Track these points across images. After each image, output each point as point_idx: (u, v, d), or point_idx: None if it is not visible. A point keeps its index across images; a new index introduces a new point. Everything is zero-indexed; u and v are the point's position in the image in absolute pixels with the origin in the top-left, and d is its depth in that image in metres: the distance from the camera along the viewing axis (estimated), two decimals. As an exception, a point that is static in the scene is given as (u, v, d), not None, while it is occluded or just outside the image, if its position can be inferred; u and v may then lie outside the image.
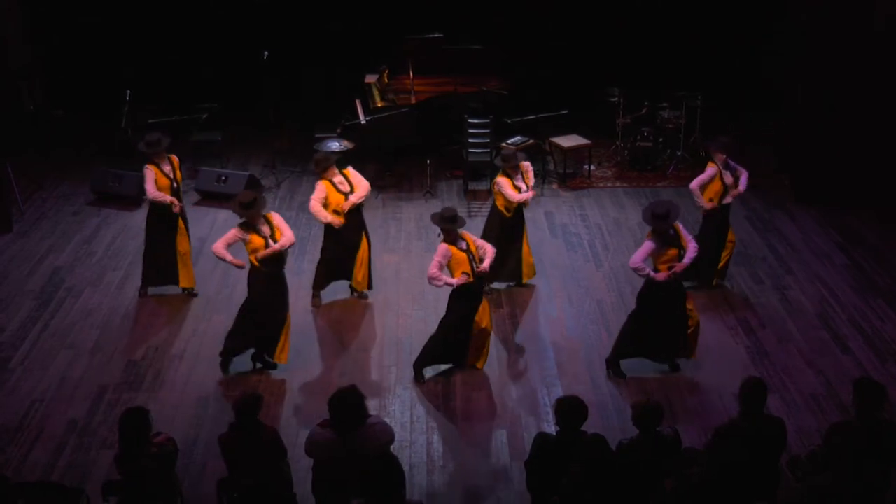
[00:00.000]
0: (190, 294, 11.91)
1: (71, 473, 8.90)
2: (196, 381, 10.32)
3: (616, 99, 16.08)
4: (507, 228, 11.73)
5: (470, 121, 15.11)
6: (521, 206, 11.67)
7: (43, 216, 14.33)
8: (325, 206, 11.17)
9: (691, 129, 16.04)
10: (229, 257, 10.09)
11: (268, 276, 10.09)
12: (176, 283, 11.83)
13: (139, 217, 14.16)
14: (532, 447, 7.49)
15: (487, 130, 15.06)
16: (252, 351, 10.45)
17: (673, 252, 9.78)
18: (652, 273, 9.84)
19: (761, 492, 7.51)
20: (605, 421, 9.46)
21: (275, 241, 9.97)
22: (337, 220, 11.17)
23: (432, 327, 11.23)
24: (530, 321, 11.46)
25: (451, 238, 9.85)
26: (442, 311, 11.53)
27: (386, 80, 16.12)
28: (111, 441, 9.05)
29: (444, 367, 10.50)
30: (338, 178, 11.27)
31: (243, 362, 10.53)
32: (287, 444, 7.90)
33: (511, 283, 12.09)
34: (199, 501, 8.47)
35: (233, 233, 10.03)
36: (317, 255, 12.37)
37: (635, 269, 9.93)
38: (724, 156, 11.46)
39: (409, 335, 11.14)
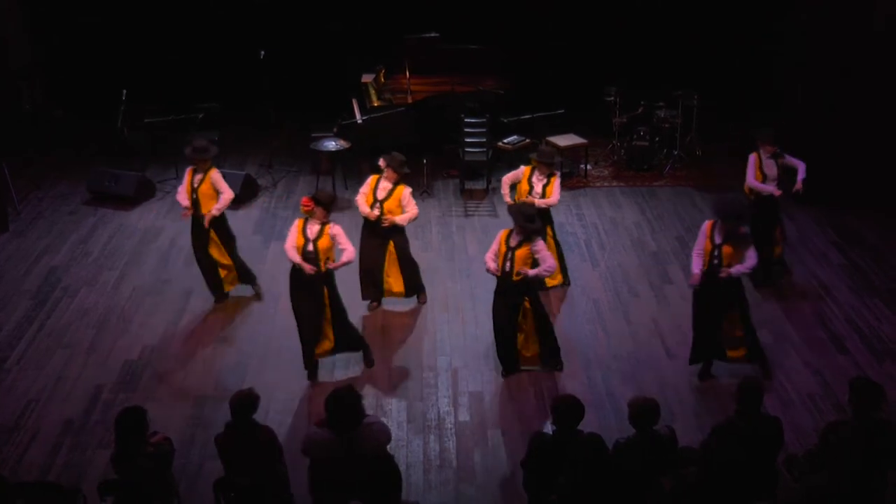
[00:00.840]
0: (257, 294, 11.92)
1: (67, 473, 8.89)
2: (192, 381, 10.31)
3: (612, 98, 16.07)
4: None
5: (466, 120, 15.12)
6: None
7: (39, 216, 14.31)
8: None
9: (688, 129, 16.05)
10: (298, 259, 9.96)
11: (303, 280, 10.05)
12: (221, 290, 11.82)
13: (135, 217, 14.21)
14: (529, 447, 7.48)
15: (484, 130, 15.07)
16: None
17: (727, 249, 9.68)
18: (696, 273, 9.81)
19: (758, 491, 7.52)
20: (601, 420, 9.46)
21: (314, 247, 9.84)
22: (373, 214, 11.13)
23: (429, 326, 11.27)
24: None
25: (524, 233, 9.76)
26: (439, 311, 11.58)
27: (382, 79, 16.12)
28: (107, 441, 9.03)
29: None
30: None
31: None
32: (284, 444, 7.90)
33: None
34: (196, 501, 8.45)
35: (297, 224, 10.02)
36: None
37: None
38: (771, 147, 11.44)
39: (406, 334, 11.14)
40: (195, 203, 11.25)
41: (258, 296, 11.84)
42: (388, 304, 11.75)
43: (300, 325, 10.18)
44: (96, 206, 14.62)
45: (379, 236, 11.23)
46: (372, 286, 11.47)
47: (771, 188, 11.48)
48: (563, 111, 15.52)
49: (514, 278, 9.80)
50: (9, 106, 16.47)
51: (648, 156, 15.86)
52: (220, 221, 11.43)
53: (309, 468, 7.48)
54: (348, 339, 10.37)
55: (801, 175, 11.62)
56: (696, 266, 9.83)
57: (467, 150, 15.08)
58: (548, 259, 9.83)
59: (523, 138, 15.25)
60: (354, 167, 15.08)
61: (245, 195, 14.47)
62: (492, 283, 10.21)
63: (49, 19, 17.34)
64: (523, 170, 11.65)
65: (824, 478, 6.96)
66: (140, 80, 16.44)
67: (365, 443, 7.23)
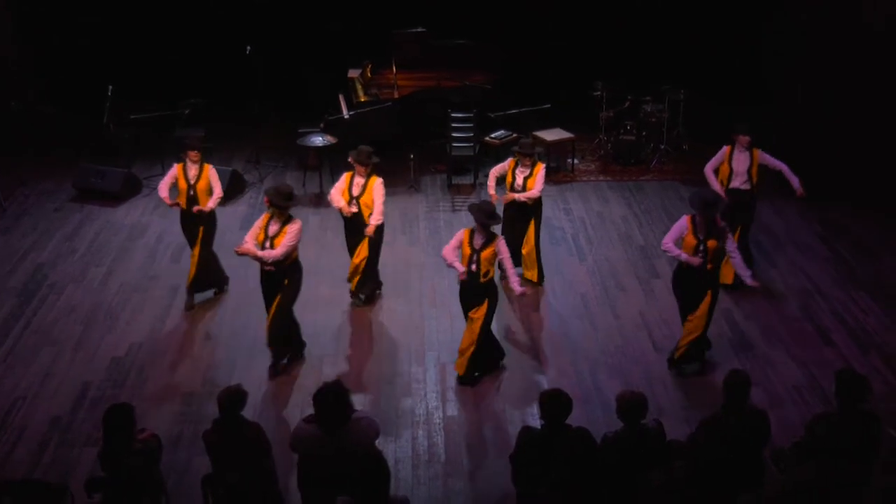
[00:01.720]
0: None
1: (54, 470, 8.87)
2: (180, 378, 10.29)
3: (599, 93, 16.10)
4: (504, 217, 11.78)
5: (453, 115, 15.13)
6: (520, 202, 11.63)
7: (25, 213, 14.27)
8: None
9: (674, 123, 16.08)
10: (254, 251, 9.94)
11: (264, 272, 10.10)
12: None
13: (121, 213, 14.17)
14: (517, 441, 7.49)
15: (471, 125, 15.08)
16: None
17: (711, 244, 9.64)
18: (688, 257, 9.72)
19: (745, 484, 7.54)
20: (589, 414, 9.49)
21: (272, 246, 9.80)
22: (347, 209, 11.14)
23: (417, 321, 11.27)
24: (514, 315, 11.46)
25: (487, 232, 9.73)
26: (427, 306, 11.58)
27: (369, 74, 16.11)
28: (95, 438, 9.01)
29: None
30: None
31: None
32: (272, 439, 7.89)
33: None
34: (184, 498, 8.44)
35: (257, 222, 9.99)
36: (301, 251, 12.43)
37: (664, 248, 9.86)
38: (745, 138, 11.40)
39: (394, 330, 11.15)
40: (193, 199, 11.23)
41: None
42: (375, 300, 11.76)
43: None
44: (82, 202, 14.57)
45: (360, 233, 11.23)
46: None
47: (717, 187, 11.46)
48: (549, 106, 15.55)
49: (482, 280, 9.83)
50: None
51: (635, 150, 15.89)
52: (212, 219, 11.44)
53: (297, 464, 7.48)
54: (275, 337, 10.31)
55: (793, 180, 11.54)
56: (678, 250, 9.76)
57: (454, 144, 15.09)
58: (507, 262, 9.89)
59: (510, 133, 15.27)
60: (341, 162, 14.93)
61: (232, 191, 14.44)
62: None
63: (35, 17, 17.25)
64: (509, 162, 11.69)
65: (810, 470, 6.98)
66: (126, 77, 16.37)
67: (353, 438, 7.22)
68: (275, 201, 9.83)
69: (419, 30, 16.02)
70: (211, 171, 11.25)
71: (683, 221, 9.80)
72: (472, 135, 15.09)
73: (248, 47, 15.34)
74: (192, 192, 11.20)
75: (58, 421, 9.59)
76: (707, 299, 9.85)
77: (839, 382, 7.38)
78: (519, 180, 11.52)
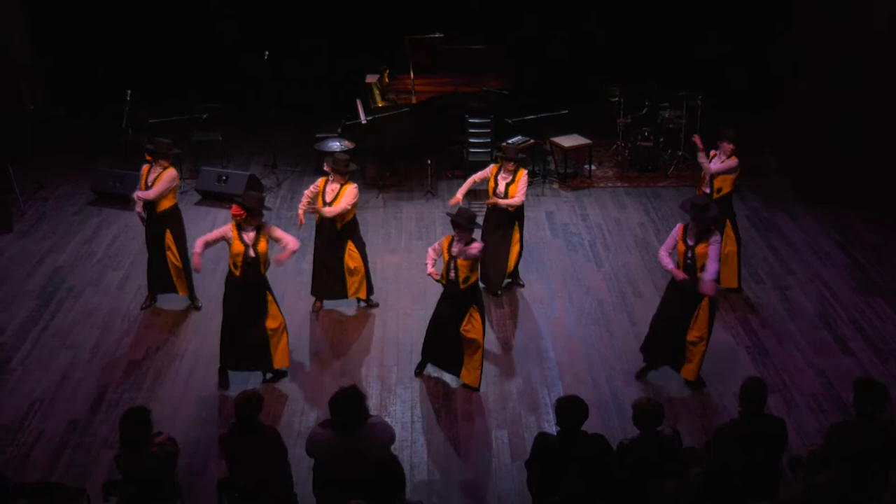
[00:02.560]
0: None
1: (72, 473, 8.91)
2: (197, 381, 10.32)
3: (617, 98, 16.08)
4: (486, 222, 11.76)
5: (470, 120, 15.14)
6: (501, 208, 11.58)
7: (44, 216, 14.34)
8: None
9: (692, 129, 16.02)
10: (197, 252, 9.81)
11: (242, 287, 9.90)
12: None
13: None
14: (532, 447, 7.48)
15: (488, 130, 15.09)
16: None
17: (700, 249, 9.53)
18: (674, 270, 9.67)
19: (762, 492, 7.51)
20: (605, 421, 9.47)
21: (255, 252, 9.70)
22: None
23: (433, 327, 11.27)
24: (531, 321, 11.46)
25: (462, 237, 9.69)
26: (442, 311, 11.57)
27: (387, 79, 16.13)
28: (112, 441, 9.06)
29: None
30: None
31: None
32: (288, 444, 7.90)
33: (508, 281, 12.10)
34: (200, 501, 8.48)
35: (224, 230, 9.80)
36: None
37: (660, 262, 9.82)
38: (729, 146, 11.39)
39: (410, 335, 11.15)
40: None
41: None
42: (389, 304, 11.78)
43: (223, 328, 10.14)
44: (101, 206, 14.64)
45: (334, 239, 11.27)
46: (323, 285, 11.52)
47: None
48: (567, 111, 15.53)
49: (463, 286, 9.80)
50: (12, 107, 16.48)
51: (653, 156, 15.86)
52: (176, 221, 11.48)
53: (313, 468, 7.49)
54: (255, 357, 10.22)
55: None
56: (670, 264, 9.70)
57: (471, 150, 15.10)
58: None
59: (527, 139, 15.26)
60: (358, 167, 15.08)
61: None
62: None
63: (51, 19, 17.37)
64: (491, 168, 11.64)
65: (828, 478, 6.95)
66: (144, 81, 16.45)
67: (369, 443, 7.23)
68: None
69: (437, 35, 16.04)
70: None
71: (676, 229, 9.77)
72: (489, 140, 15.09)
73: (266, 52, 15.38)
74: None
75: (75, 424, 9.63)
76: (704, 306, 9.77)
77: (857, 391, 7.36)
78: (501, 186, 11.46)
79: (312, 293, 11.59)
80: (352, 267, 11.32)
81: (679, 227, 9.77)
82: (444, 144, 15.94)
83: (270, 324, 10.02)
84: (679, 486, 7.29)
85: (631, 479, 7.35)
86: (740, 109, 16.54)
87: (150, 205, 11.11)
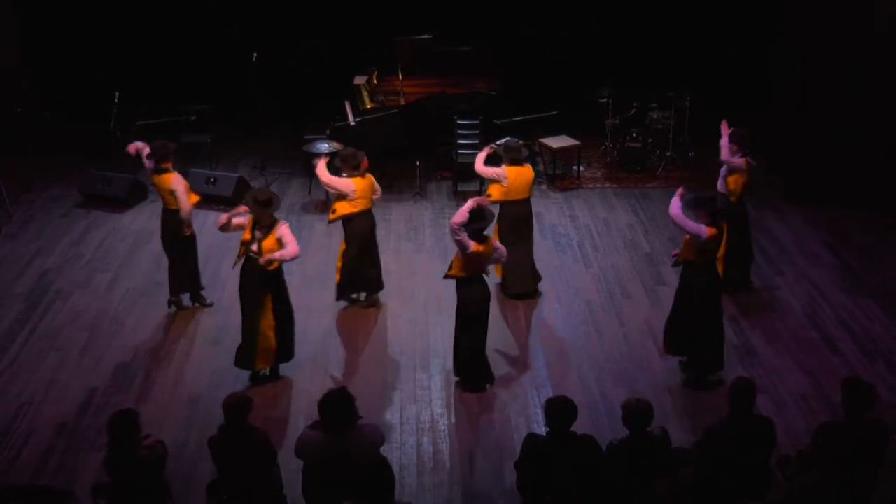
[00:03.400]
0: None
1: (60, 476, 8.87)
2: (185, 384, 10.30)
3: (605, 100, 16.09)
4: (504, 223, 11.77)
5: (459, 122, 15.13)
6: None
7: (31, 218, 14.29)
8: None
9: (680, 130, 16.07)
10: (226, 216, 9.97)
11: (242, 277, 10.06)
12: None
13: (128, 219, 14.18)
14: (522, 448, 7.49)
15: (477, 132, 15.08)
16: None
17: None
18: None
19: (751, 491, 7.53)
20: (594, 421, 9.48)
21: (259, 248, 9.75)
22: None
23: (422, 328, 11.27)
24: (520, 322, 11.46)
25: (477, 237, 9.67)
26: (432, 313, 11.57)
27: (375, 81, 16.12)
28: (100, 443, 9.01)
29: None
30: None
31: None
32: (277, 446, 7.90)
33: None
34: (189, 504, 8.47)
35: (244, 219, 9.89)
36: (307, 257, 12.48)
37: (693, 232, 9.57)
38: (738, 148, 11.36)
39: (399, 336, 11.15)
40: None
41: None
42: (381, 306, 11.77)
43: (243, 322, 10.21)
44: (89, 208, 14.60)
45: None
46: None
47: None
48: (555, 112, 15.55)
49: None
50: (-1, 109, 16.45)
51: (641, 157, 15.89)
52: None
53: (302, 470, 7.48)
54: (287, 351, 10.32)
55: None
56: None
57: (460, 151, 15.10)
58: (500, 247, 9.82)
59: (516, 140, 15.23)
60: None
61: (238, 197, 14.45)
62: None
63: (39, 21, 17.31)
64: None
65: (816, 478, 6.97)
66: (132, 82, 16.42)
67: (358, 445, 7.23)
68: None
69: (425, 36, 16.04)
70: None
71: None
72: (477, 142, 15.08)
73: (255, 54, 15.36)
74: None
75: (63, 427, 9.60)
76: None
77: (845, 391, 7.38)
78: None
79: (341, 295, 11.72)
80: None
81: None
82: (433, 146, 15.93)
83: (262, 324, 10.01)
84: (669, 487, 7.30)
85: (620, 480, 7.36)
86: (729, 110, 16.55)
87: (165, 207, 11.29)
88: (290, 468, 8.07)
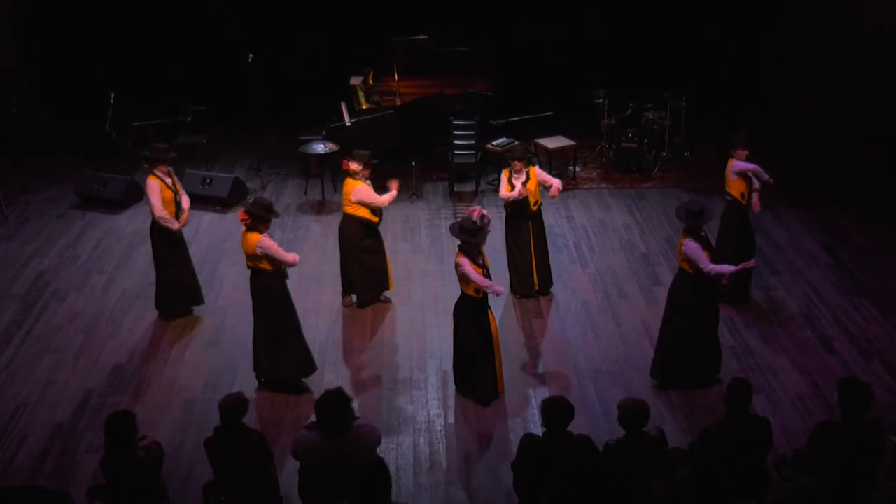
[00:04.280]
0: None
1: (56, 478, 8.87)
2: (182, 385, 10.29)
3: (601, 100, 16.09)
4: (510, 231, 11.81)
5: (455, 122, 15.13)
6: (522, 204, 11.59)
7: (27, 220, 14.27)
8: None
9: (676, 131, 16.08)
10: None
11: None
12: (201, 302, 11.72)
13: (124, 220, 14.17)
14: (519, 448, 7.49)
15: (473, 132, 15.08)
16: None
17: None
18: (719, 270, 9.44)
19: (747, 491, 7.53)
20: (591, 422, 9.48)
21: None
22: None
23: (418, 328, 11.27)
24: (516, 323, 11.46)
25: (471, 254, 9.58)
26: (429, 313, 11.57)
27: (371, 81, 16.13)
28: (97, 445, 9.02)
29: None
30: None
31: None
32: (274, 447, 7.89)
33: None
34: (186, 505, 8.46)
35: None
36: (303, 258, 12.48)
37: (714, 273, 9.40)
38: (745, 152, 11.27)
39: (396, 337, 11.15)
40: (178, 206, 11.23)
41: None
42: (375, 307, 11.77)
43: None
44: (85, 209, 14.59)
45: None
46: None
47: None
48: (551, 113, 15.55)
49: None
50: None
51: (637, 157, 15.88)
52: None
53: (299, 471, 7.48)
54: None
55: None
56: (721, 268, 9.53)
57: (456, 152, 15.10)
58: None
59: (512, 140, 15.26)
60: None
61: (234, 198, 14.47)
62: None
63: (36, 22, 17.31)
64: (503, 174, 11.66)
65: (813, 478, 6.98)
66: (129, 83, 16.43)
67: (355, 445, 7.22)
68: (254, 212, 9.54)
69: (421, 37, 16.05)
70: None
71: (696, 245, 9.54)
72: (474, 142, 15.10)
73: (251, 55, 15.35)
74: (177, 198, 11.23)
75: (60, 428, 9.59)
76: None
77: (842, 390, 7.38)
78: (518, 186, 11.51)
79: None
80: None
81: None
82: (429, 146, 15.94)
83: (257, 330, 10.02)
84: (665, 487, 7.30)
85: (617, 480, 7.36)
86: (725, 110, 16.60)
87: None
88: (287, 469, 8.08)
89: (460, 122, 15.15)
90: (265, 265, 9.60)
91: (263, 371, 10.14)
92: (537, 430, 8.78)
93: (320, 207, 14.55)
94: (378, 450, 7.53)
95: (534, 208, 11.62)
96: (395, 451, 9.22)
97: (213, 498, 7.68)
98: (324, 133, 15.06)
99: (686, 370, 9.98)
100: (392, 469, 8.41)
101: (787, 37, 15.78)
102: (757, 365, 10.52)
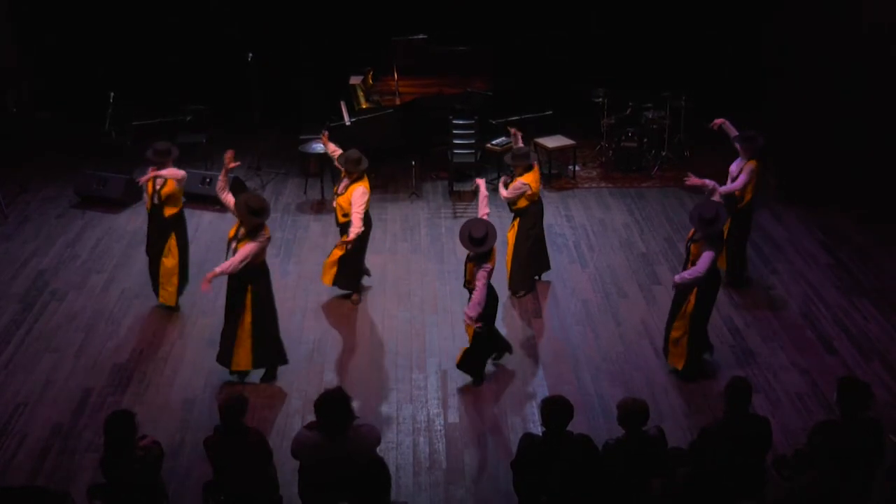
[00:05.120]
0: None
1: (56, 477, 8.86)
2: (181, 384, 10.29)
3: (601, 99, 16.09)
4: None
5: (455, 122, 15.12)
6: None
7: (27, 219, 14.27)
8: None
9: (676, 130, 16.08)
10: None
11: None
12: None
13: (123, 219, 14.17)
14: (518, 448, 7.49)
15: (472, 131, 15.08)
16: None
17: (694, 248, 9.66)
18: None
19: (747, 491, 7.53)
20: (590, 421, 9.48)
21: (235, 251, 9.69)
22: None
23: (418, 328, 11.26)
24: (515, 321, 11.46)
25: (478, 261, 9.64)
26: (428, 313, 11.57)
27: (370, 81, 16.12)
28: (96, 444, 9.02)
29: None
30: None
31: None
32: (274, 446, 7.89)
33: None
34: (185, 504, 8.46)
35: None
36: (302, 257, 12.49)
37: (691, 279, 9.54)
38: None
39: (395, 336, 11.15)
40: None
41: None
42: (374, 306, 11.77)
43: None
44: (84, 209, 14.58)
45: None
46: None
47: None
48: (551, 112, 15.55)
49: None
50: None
51: (636, 157, 15.89)
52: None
53: (298, 470, 7.48)
54: (264, 354, 10.18)
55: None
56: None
57: (456, 151, 15.09)
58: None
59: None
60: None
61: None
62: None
63: (36, 22, 17.30)
64: (503, 180, 11.70)
65: (813, 477, 6.98)
66: (128, 83, 16.42)
67: (354, 445, 7.22)
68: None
69: (420, 36, 16.04)
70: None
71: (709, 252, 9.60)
72: (473, 142, 15.10)
73: (250, 54, 15.35)
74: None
75: (59, 428, 9.59)
76: (691, 300, 9.83)
77: (841, 390, 7.38)
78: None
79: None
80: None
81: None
82: (429, 146, 15.93)
83: (242, 323, 9.97)
84: (665, 487, 7.30)
85: (617, 480, 7.36)
86: (724, 110, 16.56)
87: (155, 210, 11.32)
88: (287, 468, 8.08)
89: (460, 122, 15.14)
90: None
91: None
92: (537, 429, 8.78)
93: (320, 207, 14.55)
94: (378, 449, 7.53)
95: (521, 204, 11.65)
96: (394, 451, 9.22)
97: (212, 497, 7.68)
98: (323, 133, 15.03)
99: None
100: (392, 469, 8.41)
101: (787, 36, 15.76)
102: (756, 364, 10.52)
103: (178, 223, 11.48)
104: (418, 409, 9.88)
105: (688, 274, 9.51)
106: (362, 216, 11.09)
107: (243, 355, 10.02)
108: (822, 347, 10.85)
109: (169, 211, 11.31)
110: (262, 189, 15.19)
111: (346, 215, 11.21)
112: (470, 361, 10.12)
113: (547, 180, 15.45)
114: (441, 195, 15.10)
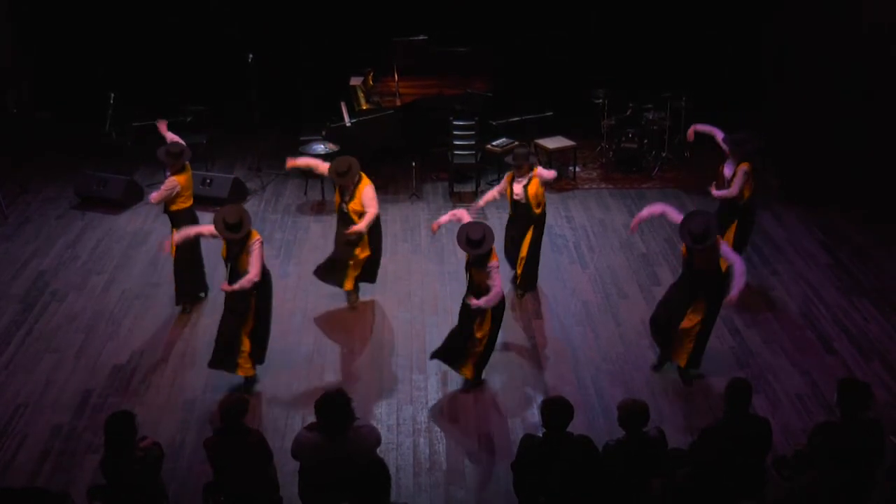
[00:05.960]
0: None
1: (56, 478, 8.87)
2: (182, 385, 10.29)
3: (601, 100, 16.09)
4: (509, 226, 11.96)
5: (455, 123, 15.12)
6: (524, 208, 11.58)
7: (27, 220, 14.27)
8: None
9: (676, 131, 16.07)
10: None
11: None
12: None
13: (123, 220, 14.16)
14: (518, 449, 7.49)
15: (472, 132, 15.08)
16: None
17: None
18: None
19: (747, 491, 7.53)
20: (591, 422, 9.49)
21: (236, 265, 9.69)
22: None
23: (418, 329, 11.26)
24: (516, 322, 11.46)
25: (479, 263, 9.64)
26: (428, 313, 11.57)
27: (371, 82, 16.12)
28: (96, 445, 9.02)
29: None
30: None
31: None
32: (274, 447, 7.89)
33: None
34: (185, 505, 8.46)
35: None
36: (302, 258, 12.49)
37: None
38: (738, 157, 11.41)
39: (395, 337, 11.15)
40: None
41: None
42: (375, 307, 11.77)
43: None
44: (84, 209, 14.58)
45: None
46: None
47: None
48: (551, 113, 15.55)
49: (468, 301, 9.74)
50: (-5, 109, 16.45)
51: (637, 158, 15.89)
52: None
53: (299, 472, 7.48)
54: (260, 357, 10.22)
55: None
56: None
57: (456, 152, 15.09)
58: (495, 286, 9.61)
59: (512, 141, 15.26)
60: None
61: (234, 199, 14.45)
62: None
63: (36, 22, 17.30)
64: (506, 177, 11.69)
65: (813, 478, 6.98)
66: (128, 83, 16.42)
67: (355, 446, 7.23)
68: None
69: (421, 37, 16.04)
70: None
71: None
72: (473, 143, 15.09)
73: (251, 55, 15.35)
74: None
75: (59, 428, 9.59)
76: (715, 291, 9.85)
77: (841, 390, 7.38)
78: (518, 190, 11.49)
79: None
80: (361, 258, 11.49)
81: None
82: (429, 147, 15.93)
83: (244, 327, 9.96)
84: (665, 488, 7.30)
85: (617, 481, 7.36)
86: (724, 110, 16.58)
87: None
88: (287, 469, 8.07)
89: (460, 123, 15.14)
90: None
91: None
92: (537, 430, 8.78)
93: (320, 208, 14.55)
94: (378, 450, 7.54)
95: (537, 211, 11.59)
96: (394, 452, 9.22)
97: (212, 498, 7.68)
98: (323, 133, 15.06)
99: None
100: (392, 469, 8.41)
101: (787, 36, 15.77)
102: (756, 365, 10.52)
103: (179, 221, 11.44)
104: (418, 410, 9.88)
105: (736, 260, 9.46)
106: (377, 206, 11.16)
107: (245, 359, 10.04)
108: (822, 348, 10.85)
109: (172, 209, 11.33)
110: (262, 190, 15.18)
111: (361, 216, 11.18)
112: (460, 356, 10.14)
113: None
114: (441, 196, 15.10)
